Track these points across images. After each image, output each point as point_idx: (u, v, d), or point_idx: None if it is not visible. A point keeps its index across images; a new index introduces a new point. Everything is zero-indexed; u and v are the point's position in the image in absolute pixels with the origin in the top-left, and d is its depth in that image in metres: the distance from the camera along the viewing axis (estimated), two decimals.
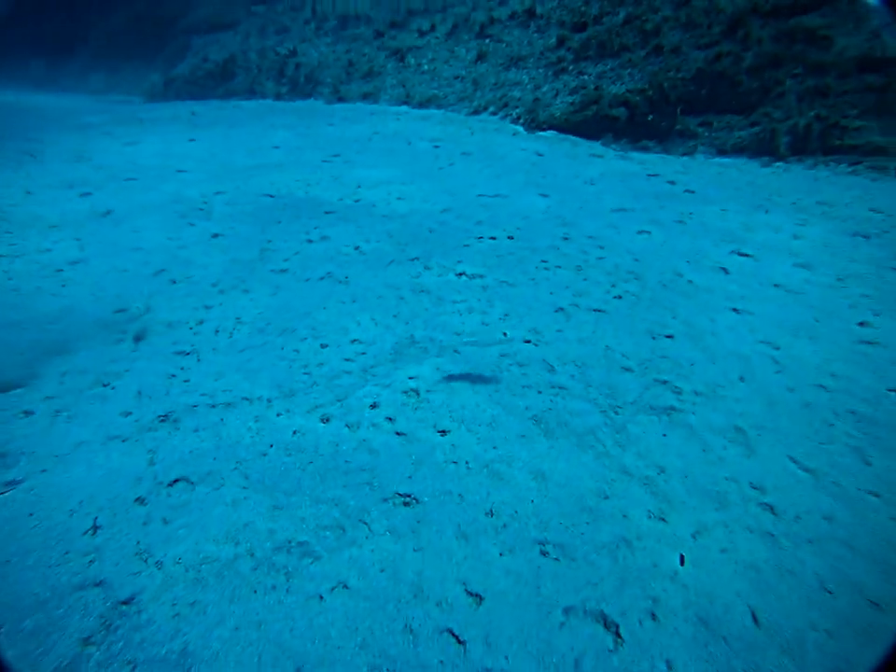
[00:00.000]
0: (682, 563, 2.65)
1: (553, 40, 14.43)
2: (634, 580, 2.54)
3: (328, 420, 3.41)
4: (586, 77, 12.74)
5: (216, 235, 6.19)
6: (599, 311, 4.69)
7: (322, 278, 5.20)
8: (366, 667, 2.15)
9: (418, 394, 3.63)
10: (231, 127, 12.59)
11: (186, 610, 2.32)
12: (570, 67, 13.35)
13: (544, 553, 2.63)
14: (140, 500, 2.83)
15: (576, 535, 2.73)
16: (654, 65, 12.07)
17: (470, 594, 2.43)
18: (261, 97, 17.15)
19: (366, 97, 15.67)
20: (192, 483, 2.95)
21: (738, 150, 10.30)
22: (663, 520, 2.85)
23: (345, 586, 2.43)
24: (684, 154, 10.39)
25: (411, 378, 3.77)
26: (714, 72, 11.24)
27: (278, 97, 16.92)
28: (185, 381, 3.73)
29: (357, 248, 5.85)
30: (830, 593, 2.54)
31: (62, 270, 5.30)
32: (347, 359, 3.98)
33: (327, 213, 6.90)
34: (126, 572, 2.47)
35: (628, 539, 2.73)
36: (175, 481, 2.96)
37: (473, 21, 17.21)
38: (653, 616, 2.40)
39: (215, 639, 2.21)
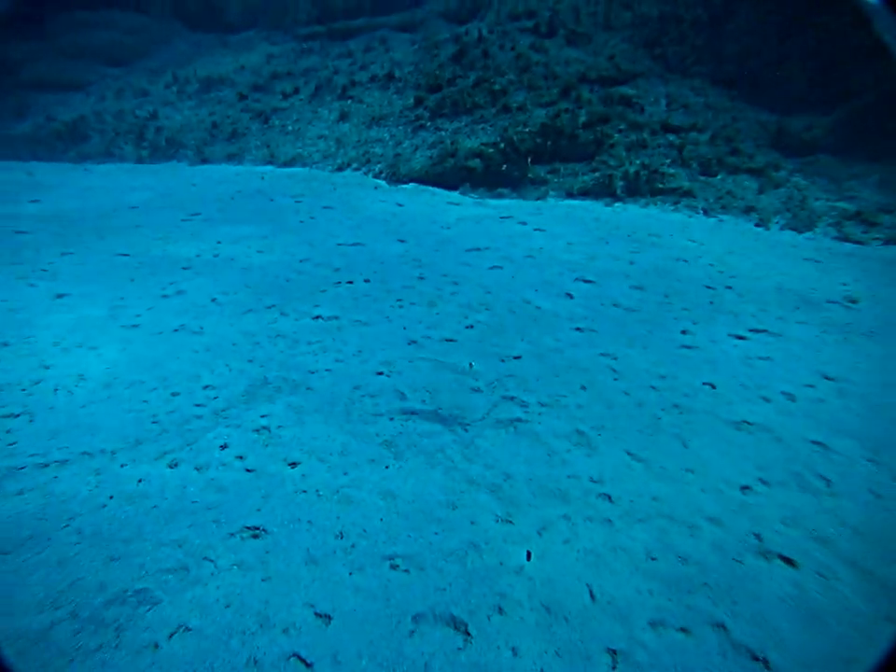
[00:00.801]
0: (529, 558, 2.83)
1: (412, 100, 15.28)
2: (481, 580, 2.68)
3: (176, 465, 3.32)
4: (443, 132, 13.55)
5: (60, 295, 5.86)
6: (451, 340, 4.95)
7: (176, 330, 5.08)
8: None
9: (269, 431, 3.63)
10: (84, 189, 12.03)
11: None
12: (428, 124, 14.16)
13: (394, 567, 2.71)
14: None
15: (425, 545, 2.83)
16: (504, 121, 13.10)
17: (319, 615, 2.45)
18: (120, 160, 16.55)
19: (231, 158, 15.61)
20: (4, 553, 2.71)
21: (584, 193, 11.34)
22: (509, 521, 3.03)
23: (187, 628, 2.36)
24: (537, 199, 11.26)
25: (262, 416, 3.78)
26: (556, 126, 12.38)
27: (139, 160, 16.40)
28: (10, 444, 3.47)
29: (213, 300, 5.78)
30: (654, 559, 2.84)
31: None
32: (199, 405, 3.91)
33: (184, 269, 6.77)
34: None
35: (476, 543, 2.88)
36: None
37: (336, 83, 17.86)
38: (500, 610, 2.54)
39: None
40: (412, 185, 11.95)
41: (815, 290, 6.87)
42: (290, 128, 16.46)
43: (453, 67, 15.81)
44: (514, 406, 4.00)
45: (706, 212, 10.52)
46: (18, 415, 3.76)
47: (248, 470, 3.27)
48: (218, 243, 7.83)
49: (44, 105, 20.03)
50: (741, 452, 3.72)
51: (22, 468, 3.26)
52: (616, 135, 12.38)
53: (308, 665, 2.24)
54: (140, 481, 3.18)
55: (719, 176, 11.78)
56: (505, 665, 2.30)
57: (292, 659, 2.26)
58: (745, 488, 3.38)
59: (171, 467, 3.30)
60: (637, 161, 11.61)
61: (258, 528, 2.87)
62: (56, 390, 4.08)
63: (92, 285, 6.20)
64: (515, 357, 4.69)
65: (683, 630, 2.47)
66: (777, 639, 2.46)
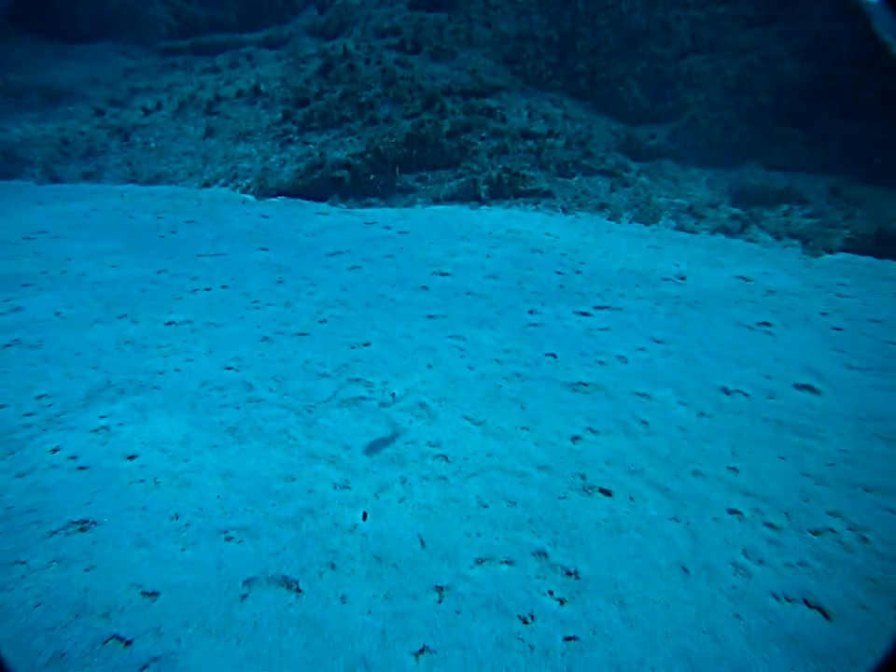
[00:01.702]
0: (365, 518, 2.99)
1: (279, 115, 15.20)
2: (315, 541, 2.81)
3: None
4: (311, 146, 13.60)
5: None
6: (303, 334, 5.07)
7: (7, 346, 4.82)
8: None
9: (109, 429, 3.58)
10: None
11: None
12: (296, 138, 14.15)
13: (228, 539, 2.78)
14: None
15: (260, 516, 2.93)
16: (371, 133, 13.36)
17: (146, 593, 2.48)
18: None
19: (88, 177, 14.73)
20: None
21: (450, 199, 11.78)
22: (347, 487, 3.20)
23: None
24: (405, 206, 11.57)
25: (102, 417, 3.71)
26: (421, 136, 12.80)
27: None
28: None
29: (57, 314, 5.53)
30: (485, 507, 3.10)
31: None
32: (28, 414, 3.76)
33: (24, 285, 6.39)
34: None
35: (312, 509, 3.01)
36: None
37: (200, 99, 17.37)
38: (332, 566, 2.68)
39: None
40: (280, 198, 11.90)
41: (653, 271, 7.63)
42: (153, 145, 15.82)
43: (319, 81, 15.90)
44: (360, 387, 4.19)
45: (564, 210, 11.31)
46: None
47: (81, 469, 3.22)
48: (68, 259, 7.44)
49: None
50: (574, 408, 4.12)
51: None
52: (479, 143, 13.00)
53: (127, 643, 2.26)
54: None
55: (575, 178, 12.69)
56: (333, 612, 2.45)
57: (111, 641, 2.27)
58: (575, 438, 3.76)
59: None
60: (500, 166, 12.25)
61: (86, 521, 2.84)
62: None
63: None
64: (365, 345, 4.88)
65: (507, 562, 2.75)
66: (587, 555, 2.80)
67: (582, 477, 3.38)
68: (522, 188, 11.85)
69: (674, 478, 3.41)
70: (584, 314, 5.96)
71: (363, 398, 4.02)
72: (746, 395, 4.43)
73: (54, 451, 3.37)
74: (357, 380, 4.27)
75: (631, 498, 3.22)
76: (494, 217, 10.43)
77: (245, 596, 2.50)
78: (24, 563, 2.61)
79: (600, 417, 4.02)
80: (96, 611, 2.38)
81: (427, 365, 4.58)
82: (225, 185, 13.11)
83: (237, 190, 12.61)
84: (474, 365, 4.64)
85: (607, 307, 6.19)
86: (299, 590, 2.54)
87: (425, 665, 2.22)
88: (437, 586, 2.60)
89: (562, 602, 2.54)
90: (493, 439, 3.70)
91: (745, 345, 5.37)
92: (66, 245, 8.20)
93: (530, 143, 13.17)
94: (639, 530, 2.98)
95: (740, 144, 13.80)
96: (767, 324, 5.91)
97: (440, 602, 2.52)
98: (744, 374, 4.77)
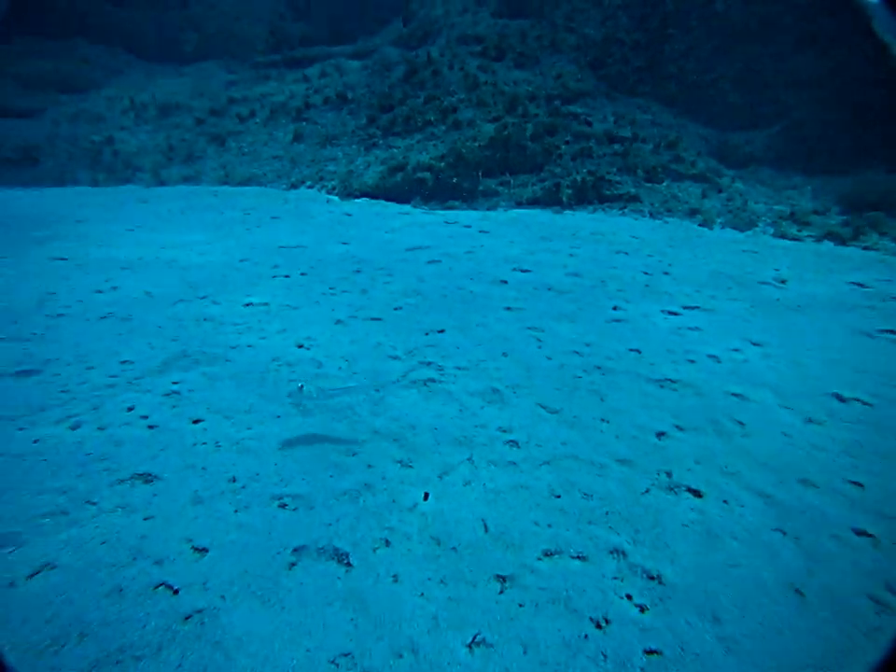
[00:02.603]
0: (426, 498, 2.82)
1: (364, 120, 15.54)
2: (371, 516, 2.67)
3: (78, 426, 3.30)
4: (395, 149, 13.77)
5: None
6: (377, 319, 5.02)
7: (103, 318, 5.05)
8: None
9: (180, 394, 3.63)
10: (31, 205, 11.87)
11: None
12: (380, 142, 14.39)
13: (282, 506, 2.70)
14: None
15: (318, 487, 2.83)
16: (454, 136, 13.37)
17: (196, 548, 2.44)
18: (73, 184, 16.39)
19: (187, 180, 15.59)
20: None
21: (533, 202, 11.56)
22: (409, 466, 3.04)
23: (52, 566, 2.35)
24: (488, 209, 11.44)
25: (174, 383, 3.77)
26: (503, 139, 12.67)
27: (95, 183, 16.23)
28: None
29: (147, 293, 5.76)
30: (557, 497, 2.86)
31: None
32: (113, 376, 3.90)
33: (122, 269, 6.73)
34: None
35: (371, 484, 2.88)
36: None
37: (290, 107, 18.08)
38: (387, 543, 2.53)
39: None
40: (363, 199, 12.09)
41: (749, 274, 7.10)
42: (246, 150, 16.56)
43: (403, 87, 16.15)
44: (431, 370, 4.06)
45: (651, 215, 10.83)
46: None
47: (150, 427, 3.26)
48: (162, 248, 7.81)
49: None
50: (660, 404, 3.80)
51: None
52: (563, 146, 12.71)
53: (175, 592, 2.23)
54: (36, 441, 3.13)
55: (664, 183, 12.16)
56: (384, 591, 2.29)
57: (160, 588, 2.25)
58: (660, 434, 3.45)
59: (72, 428, 3.28)
60: (584, 170, 11.91)
61: (149, 475, 2.86)
62: None
63: (21, 283, 6.12)
64: (439, 331, 4.76)
65: (580, 557, 2.49)
66: (672, 558, 2.50)
67: (668, 474, 3.07)
68: (607, 192, 11.47)
69: (777, 485, 3.02)
70: (672, 312, 5.58)
71: (433, 380, 3.88)
72: (866, 403, 3.93)
73: (129, 409, 3.46)
74: (429, 363, 4.14)
75: (725, 501, 2.87)
76: (577, 220, 10.14)
77: (293, 564, 2.39)
78: (95, 504, 2.68)
79: (689, 414, 3.68)
80: (150, 558, 2.38)
81: (503, 353, 4.39)
82: (311, 186, 13.49)
83: (322, 191, 12.92)
84: (552, 355, 4.40)
85: (696, 307, 5.78)
86: (349, 564, 2.41)
87: (480, 657, 2.02)
88: (499, 575, 2.38)
89: (643, 609, 2.25)
90: (568, 428, 3.45)
91: (863, 352, 4.82)
92: (161, 236, 8.61)
93: (616, 146, 12.75)
94: (735, 537, 2.63)
95: (851, 148, 12.80)
96: (892, 332, 5.30)
97: (501, 593, 2.30)
98: (863, 381, 4.25)
